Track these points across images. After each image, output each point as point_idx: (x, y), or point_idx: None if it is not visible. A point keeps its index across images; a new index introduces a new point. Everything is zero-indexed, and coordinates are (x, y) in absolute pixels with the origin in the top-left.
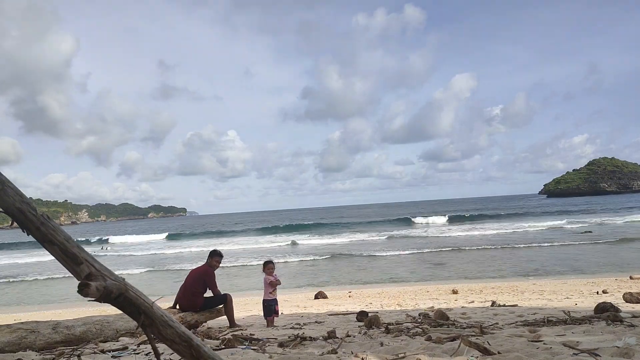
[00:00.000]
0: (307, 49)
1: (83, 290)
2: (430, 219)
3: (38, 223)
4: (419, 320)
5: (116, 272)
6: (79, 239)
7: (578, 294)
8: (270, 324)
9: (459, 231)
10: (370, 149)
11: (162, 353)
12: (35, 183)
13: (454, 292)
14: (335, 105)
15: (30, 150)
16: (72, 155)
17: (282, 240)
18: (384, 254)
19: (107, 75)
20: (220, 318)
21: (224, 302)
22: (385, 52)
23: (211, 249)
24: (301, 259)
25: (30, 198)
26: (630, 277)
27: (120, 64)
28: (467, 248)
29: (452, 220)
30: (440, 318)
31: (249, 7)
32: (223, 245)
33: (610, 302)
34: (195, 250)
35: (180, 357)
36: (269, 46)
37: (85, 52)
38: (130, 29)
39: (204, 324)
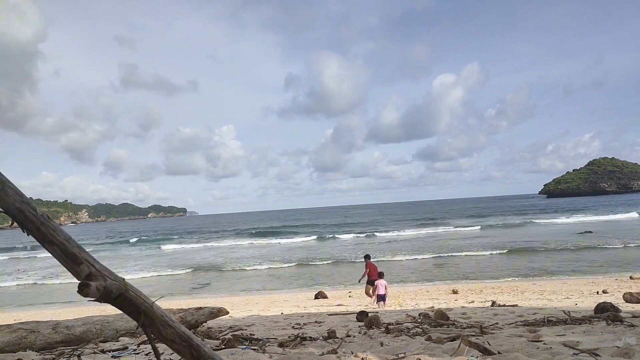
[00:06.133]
0: (302, 44)
1: (83, 290)
2: (432, 221)
3: (38, 223)
4: (419, 320)
5: None
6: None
7: (578, 294)
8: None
9: (458, 231)
10: (367, 148)
11: (162, 353)
12: (25, 183)
13: (454, 292)
14: (330, 102)
15: (7, 148)
16: (57, 153)
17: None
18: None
19: (95, 70)
20: (220, 318)
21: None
22: (385, 47)
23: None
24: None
25: (30, 198)
26: (630, 277)
27: (111, 58)
28: (467, 248)
29: (452, 220)
30: (440, 318)
31: (260, 6)
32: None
33: (610, 302)
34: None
35: (180, 357)
36: (260, 40)
37: (73, 44)
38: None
39: (204, 324)
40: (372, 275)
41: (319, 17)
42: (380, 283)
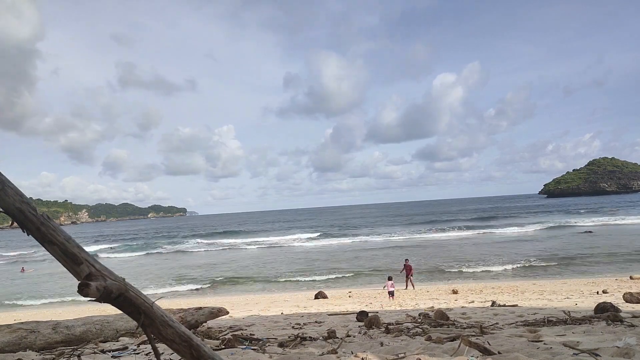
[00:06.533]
0: (302, 44)
1: (83, 290)
2: (432, 221)
3: (38, 223)
4: (419, 320)
5: None
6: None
7: (578, 294)
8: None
9: (459, 232)
10: (366, 148)
11: (162, 353)
12: (24, 183)
13: (454, 292)
14: (329, 101)
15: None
16: (56, 153)
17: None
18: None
19: (95, 70)
20: (220, 318)
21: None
22: (385, 46)
23: None
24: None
25: (30, 198)
26: (630, 277)
27: (110, 58)
28: (467, 248)
29: (453, 220)
30: (440, 318)
31: (259, 6)
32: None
33: (610, 302)
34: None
35: (180, 357)
36: (260, 40)
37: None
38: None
39: (204, 324)
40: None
41: (318, 16)
42: (389, 283)
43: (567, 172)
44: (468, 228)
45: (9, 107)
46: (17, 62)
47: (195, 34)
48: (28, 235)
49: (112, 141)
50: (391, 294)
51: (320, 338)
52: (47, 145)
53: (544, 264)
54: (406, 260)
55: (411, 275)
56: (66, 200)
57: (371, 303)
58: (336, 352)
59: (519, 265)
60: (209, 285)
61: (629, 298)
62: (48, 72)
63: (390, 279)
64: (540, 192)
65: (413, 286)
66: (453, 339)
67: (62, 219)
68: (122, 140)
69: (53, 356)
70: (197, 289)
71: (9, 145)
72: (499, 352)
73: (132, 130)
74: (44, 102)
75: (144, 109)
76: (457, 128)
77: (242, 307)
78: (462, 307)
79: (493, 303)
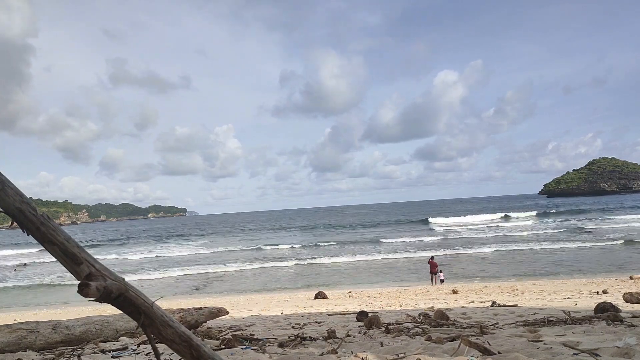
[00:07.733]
0: (302, 42)
1: (83, 290)
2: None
3: (38, 223)
4: (419, 320)
5: None
6: None
7: (578, 294)
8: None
9: (459, 231)
10: (365, 147)
11: (162, 353)
12: (21, 183)
13: (454, 292)
14: (328, 100)
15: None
16: (52, 152)
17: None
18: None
19: (94, 69)
20: (220, 318)
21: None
22: (386, 45)
23: None
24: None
25: (30, 198)
26: (630, 277)
27: (107, 56)
28: (467, 248)
29: (453, 221)
30: (440, 318)
31: (260, 4)
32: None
33: (610, 302)
34: None
35: (180, 357)
36: (260, 38)
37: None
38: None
39: (204, 324)
40: (433, 269)
41: (319, 15)
42: (439, 275)
43: (567, 172)
44: (467, 223)
45: (2, 105)
46: (10, 60)
47: (194, 33)
48: (28, 235)
49: (108, 140)
50: (442, 281)
51: (320, 338)
52: (42, 145)
53: (543, 264)
54: (431, 257)
55: (435, 272)
56: (66, 200)
57: (371, 303)
58: (336, 352)
59: (518, 265)
60: (208, 285)
61: (629, 298)
62: (41, 69)
63: (441, 271)
64: (540, 192)
65: (432, 283)
66: (453, 339)
67: (62, 219)
68: (118, 140)
69: (53, 356)
70: (196, 289)
71: (4, 145)
72: (499, 352)
73: (129, 129)
74: (38, 100)
75: (141, 108)
76: (457, 127)
77: (242, 307)
78: (462, 307)
79: (493, 303)
